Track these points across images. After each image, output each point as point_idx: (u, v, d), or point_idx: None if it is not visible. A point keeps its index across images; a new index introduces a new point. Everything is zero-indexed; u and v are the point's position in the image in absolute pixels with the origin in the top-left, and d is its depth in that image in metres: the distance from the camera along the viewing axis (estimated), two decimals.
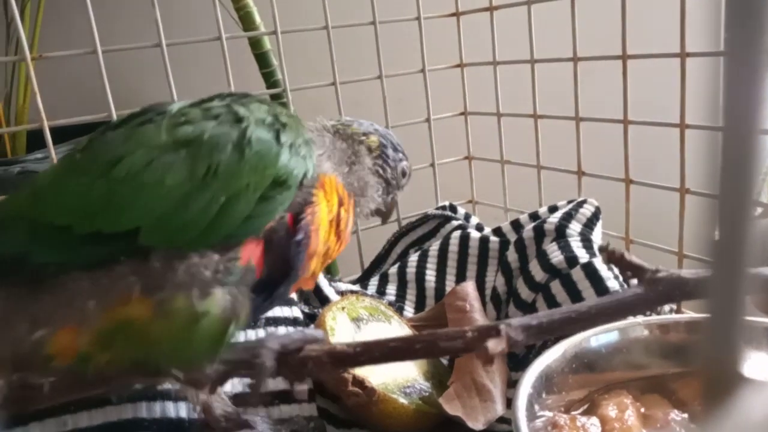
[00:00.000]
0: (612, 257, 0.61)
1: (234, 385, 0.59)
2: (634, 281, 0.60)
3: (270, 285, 0.49)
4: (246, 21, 0.97)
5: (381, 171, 0.64)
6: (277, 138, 0.48)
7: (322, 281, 0.76)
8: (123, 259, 0.42)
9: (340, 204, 0.55)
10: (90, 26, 0.72)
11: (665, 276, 0.56)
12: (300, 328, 0.57)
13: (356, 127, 0.64)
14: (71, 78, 1.06)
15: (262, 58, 0.99)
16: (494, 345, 0.49)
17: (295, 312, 0.69)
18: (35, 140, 0.98)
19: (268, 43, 0.99)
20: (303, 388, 0.60)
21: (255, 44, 0.99)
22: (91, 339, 0.41)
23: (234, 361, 0.48)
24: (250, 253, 0.46)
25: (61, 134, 0.76)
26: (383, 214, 0.70)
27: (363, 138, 0.63)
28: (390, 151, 0.65)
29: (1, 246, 0.42)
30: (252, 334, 0.63)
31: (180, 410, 0.55)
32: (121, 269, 0.42)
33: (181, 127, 0.47)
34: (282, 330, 0.61)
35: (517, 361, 0.68)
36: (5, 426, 0.51)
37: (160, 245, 0.43)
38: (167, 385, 0.56)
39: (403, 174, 0.67)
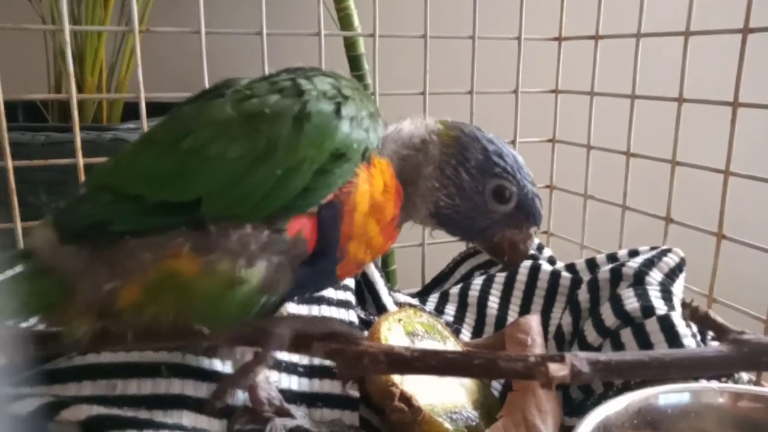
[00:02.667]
0: (695, 314, 0.57)
1: (281, 379, 0.59)
2: (715, 344, 0.56)
3: (315, 259, 0.49)
4: (345, 22, 0.99)
5: (449, 170, 0.54)
6: (338, 111, 0.48)
7: (382, 289, 0.75)
8: (185, 228, 0.45)
9: (385, 191, 0.51)
10: (198, 7, 0.74)
11: (753, 339, 0.52)
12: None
13: (446, 121, 0.57)
14: (173, 55, 1.10)
15: (355, 61, 1.00)
16: (557, 368, 0.46)
17: (351, 316, 0.68)
18: (131, 111, 1.01)
19: (362, 47, 0.99)
20: (355, 394, 0.59)
21: (350, 46, 0.99)
22: (146, 288, 0.45)
23: (254, 325, 0.49)
24: (301, 226, 0.47)
25: (155, 108, 0.79)
26: (495, 253, 0.58)
27: (440, 128, 0.56)
28: (475, 155, 0.55)
29: (87, 214, 0.46)
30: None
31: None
32: (181, 234, 0.45)
33: (246, 102, 0.48)
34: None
35: (573, 406, 0.64)
36: (62, 380, 0.53)
37: (219, 215, 0.46)
38: (218, 366, 0.57)
39: (501, 196, 0.54)
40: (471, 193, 0.54)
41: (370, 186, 0.49)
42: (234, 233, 0.45)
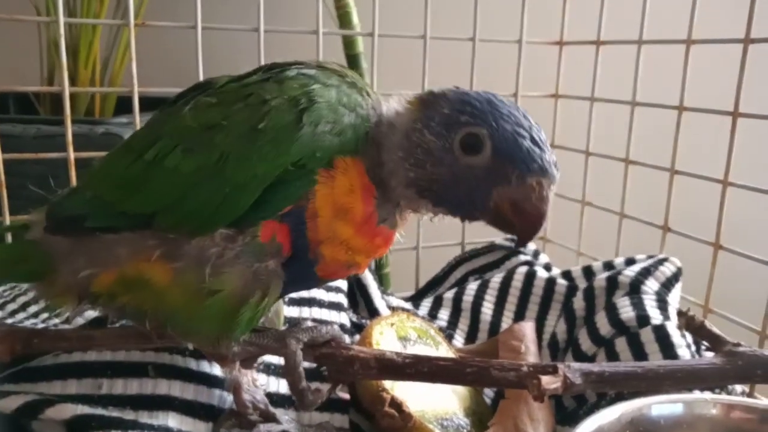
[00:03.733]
0: (690, 323, 0.57)
1: (269, 382, 0.58)
2: (709, 354, 0.55)
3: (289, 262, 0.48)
4: (344, 20, 0.98)
5: (415, 135, 0.47)
6: (299, 120, 0.45)
7: (375, 292, 0.74)
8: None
9: (351, 191, 0.47)
10: (194, 2, 0.73)
11: (747, 351, 0.52)
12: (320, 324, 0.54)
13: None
14: (169, 50, 1.09)
15: (353, 60, 0.99)
16: (549, 381, 0.46)
17: (343, 318, 0.67)
18: (124, 105, 1.00)
19: (361, 46, 0.99)
20: (345, 396, 0.59)
21: (349, 44, 0.99)
22: (118, 280, 0.47)
23: (261, 345, 0.50)
24: (273, 231, 0.46)
25: (149, 102, 0.78)
26: (501, 224, 0.48)
27: (410, 99, 0.49)
28: (440, 110, 0.47)
29: (69, 207, 0.50)
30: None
31: (212, 396, 0.55)
32: (152, 236, 0.46)
33: (208, 111, 0.47)
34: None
35: (566, 415, 0.63)
36: (47, 378, 0.52)
37: (173, 229, 0.46)
38: (206, 368, 0.56)
39: (470, 146, 0.45)
40: (440, 153, 0.46)
41: (332, 189, 0.46)
42: (200, 242, 0.45)
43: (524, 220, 0.46)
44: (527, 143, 0.45)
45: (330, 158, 0.46)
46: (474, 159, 0.45)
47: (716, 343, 0.55)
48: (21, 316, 0.66)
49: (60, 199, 0.52)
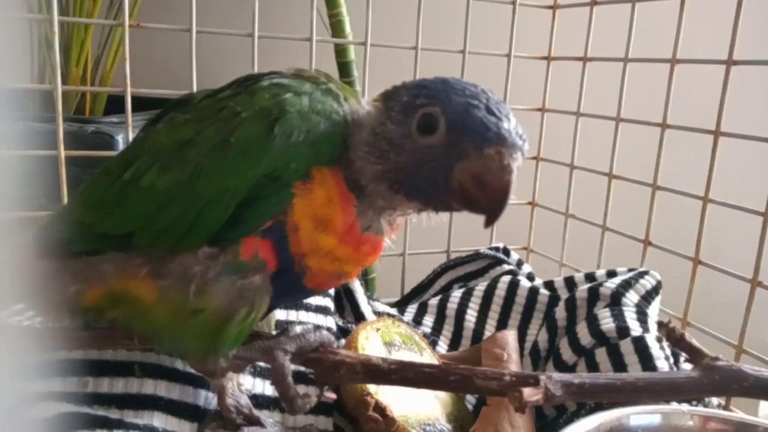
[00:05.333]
0: (671, 335, 0.58)
1: (255, 384, 0.58)
2: (687, 366, 0.56)
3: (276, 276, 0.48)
4: (336, 29, 0.98)
5: (378, 128, 0.45)
6: (270, 131, 0.44)
7: (361, 297, 0.75)
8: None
9: (329, 201, 0.46)
10: (190, 5, 0.74)
11: (725, 365, 0.53)
12: (311, 325, 0.53)
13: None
14: (162, 51, 1.09)
15: (344, 68, 1.00)
16: (530, 393, 0.47)
17: (329, 322, 0.68)
18: (114, 104, 1.00)
19: (353, 54, 0.99)
20: (332, 397, 0.59)
21: (341, 52, 0.99)
22: (104, 296, 0.48)
23: (248, 358, 0.50)
24: (256, 248, 0.45)
25: (140, 103, 0.78)
26: (468, 203, 0.45)
27: (377, 96, 0.48)
28: (399, 99, 0.45)
29: (55, 231, 0.51)
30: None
31: (198, 397, 0.55)
32: (137, 255, 0.47)
33: (181, 127, 0.47)
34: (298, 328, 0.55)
35: (546, 423, 0.64)
36: (31, 377, 0.52)
37: (151, 248, 0.46)
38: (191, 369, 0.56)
39: (425, 126, 0.43)
40: (400, 140, 0.45)
41: (310, 201, 0.45)
42: (183, 260, 0.45)
43: (488, 194, 0.43)
44: (481, 113, 0.43)
45: (306, 169, 0.45)
46: (431, 139, 0.44)
47: (695, 355, 0.55)
48: (6, 313, 0.65)
49: (47, 222, 0.52)
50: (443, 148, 0.43)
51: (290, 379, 0.50)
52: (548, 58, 0.96)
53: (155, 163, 0.46)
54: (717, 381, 0.52)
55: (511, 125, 0.43)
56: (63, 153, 0.72)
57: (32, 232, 0.52)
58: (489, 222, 0.44)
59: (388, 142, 0.45)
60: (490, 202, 0.43)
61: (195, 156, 0.45)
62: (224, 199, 0.44)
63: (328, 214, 0.46)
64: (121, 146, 0.84)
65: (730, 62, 0.71)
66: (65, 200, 0.72)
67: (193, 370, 0.55)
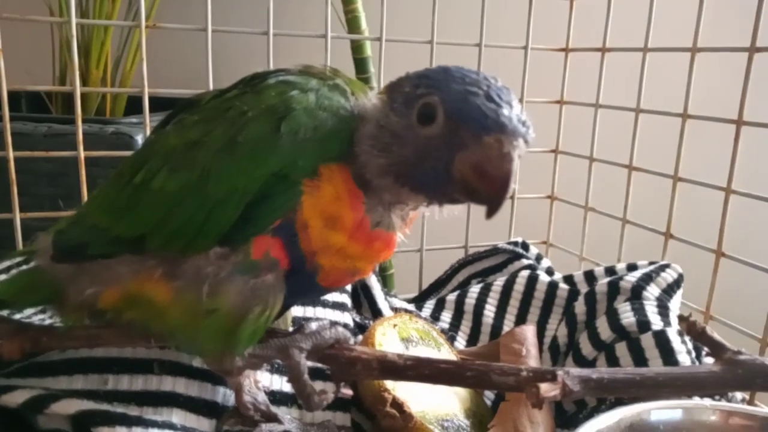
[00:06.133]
0: (692, 329, 0.57)
1: (273, 380, 0.59)
2: (709, 360, 0.55)
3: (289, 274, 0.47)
4: (352, 25, 0.98)
5: (382, 120, 0.45)
6: (277, 129, 0.44)
7: (378, 293, 0.75)
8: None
9: (337, 198, 0.46)
10: (205, 5, 0.74)
11: (748, 359, 0.52)
12: (327, 322, 0.53)
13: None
14: (179, 51, 1.10)
15: (360, 64, 1.00)
16: (547, 388, 0.46)
17: (346, 318, 0.68)
18: (134, 105, 1.02)
19: (369, 50, 0.99)
20: (348, 393, 0.59)
21: (357, 49, 0.99)
22: (121, 297, 0.49)
23: (264, 356, 0.50)
24: (267, 247, 0.45)
25: (159, 103, 0.79)
26: (470, 194, 0.43)
27: (382, 89, 0.48)
28: (402, 90, 0.45)
29: (71, 236, 0.51)
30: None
31: (216, 394, 0.55)
32: (152, 257, 0.47)
33: (190, 129, 0.47)
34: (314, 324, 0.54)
35: (566, 418, 0.64)
36: (54, 373, 0.54)
37: (163, 250, 0.46)
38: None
39: (425, 116, 0.42)
40: (402, 132, 0.44)
41: (318, 199, 0.45)
42: (196, 261, 0.46)
43: (488, 184, 0.41)
44: (480, 100, 0.41)
45: (314, 166, 0.45)
46: (430, 129, 0.42)
47: (717, 349, 0.55)
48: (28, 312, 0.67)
49: (64, 226, 0.53)
50: (443, 138, 0.42)
51: (306, 376, 0.50)
52: (566, 50, 0.94)
53: (165, 166, 0.46)
54: (740, 375, 0.51)
55: (512, 112, 0.41)
56: (83, 154, 0.73)
57: (50, 236, 0.52)
58: (490, 213, 0.42)
59: (391, 134, 0.44)
60: (490, 191, 0.42)
61: (203, 157, 0.45)
62: (233, 199, 0.44)
63: (336, 211, 0.46)
64: (139, 146, 0.85)
65: (753, 49, 0.69)
66: (84, 201, 0.73)
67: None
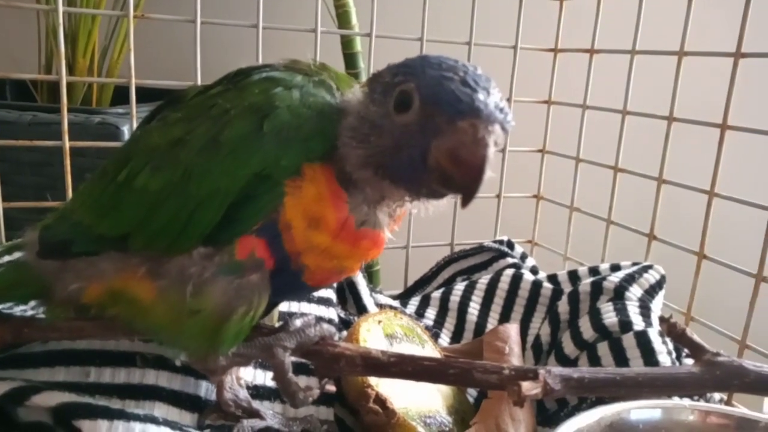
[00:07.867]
0: (672, 330, 0.58)
1: (256, 375, 0.59)
2: (689, 361, 0.56)
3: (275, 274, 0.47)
4: (342, 19, 0.98)
5: (363, 111, 0.44)
6: (260, 127, 0.43)
7: (363, 289, 0.75)
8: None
9: (319, 199, 0.45)
10: None
11: (726, 361, 0.53)
12: (312, 318, 0.53)
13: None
14: (167, 42, 1.09)
15: (350, 59, 1.00)
16: (529, 387, 0.47)
17: (331, 314, 0.68)
18: (121, 95, 1.01)
19: (359, 46, 0.99)
20: (332, 389, 0.59)
21: (347, 44, 0.99)
22: (105, 293, 0.49)
23: (248, 356, 0.50)
24: (251, 247, 0.45)
25: (146, 94, 0.78)
26: (445, 182, 0.42)
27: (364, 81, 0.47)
28: (382, 80, 0.44)
29: (56, 233, 0.51)
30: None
31: (199, 388, 0.55)
32: (135, 255, 0.47)
33: (173, 127, 0.47)
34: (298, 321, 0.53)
35: (547, 416, 0.65)
36: (35, 365, 0.53)
37: (146, 249, 0.46)
38: None
39: (401, 103, 0.41)
40: (380, 122, 0.43)
41: (300, 200, 0.44)
42: (180, 261, 0.45)
43: (461, 170, 0.40)
44: (454, 85, 0.40)
45: (297, 166, 0.44)
46: (406, 116, 0.41)
47: (697, 351, 0.55)
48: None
49: (49, 222, 0.52)
50: (418, 125, 0.41)
51: (291, 374, 0.50)
52: (555, 50, 0.95)
53: (147, 164, 0.46)
54: (718, 376, 0.52)
55: (489, 98, 0.40)
56: (68, 143, 0.72)
57: (37, 232, 0.52)
58: (465, 201, 0.41)
59: (370, 125, 0.43)
60: (464, 178, 0.40)
61: (186, 156, 0.44)
62: (216, 200, 0.44)
63: (319, 211, 0.45)
64: (126, 137, 0.85)
65: (738, 55, 0.70)
66: (70, 190, 0.73)
67: None
